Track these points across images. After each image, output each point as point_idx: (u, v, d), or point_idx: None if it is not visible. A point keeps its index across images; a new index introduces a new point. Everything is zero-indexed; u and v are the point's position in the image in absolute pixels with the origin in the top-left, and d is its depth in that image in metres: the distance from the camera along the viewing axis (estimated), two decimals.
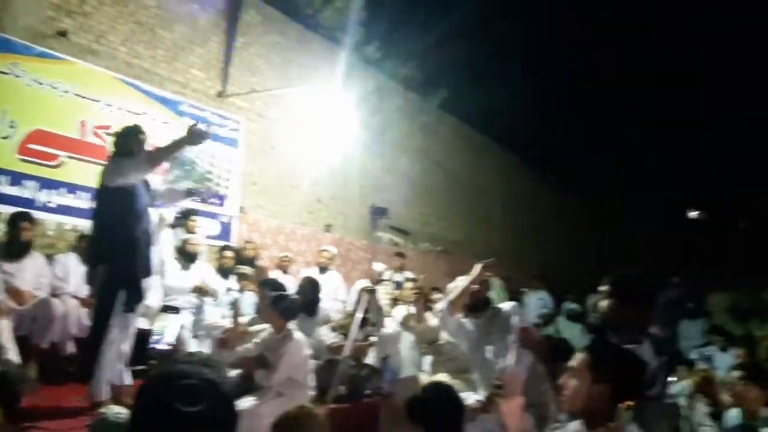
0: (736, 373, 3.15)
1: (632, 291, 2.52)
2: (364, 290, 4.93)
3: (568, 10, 7.34)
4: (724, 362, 6.33)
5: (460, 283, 3.41)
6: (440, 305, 3.55)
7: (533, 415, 3.00)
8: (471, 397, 3.31)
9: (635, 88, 9.12)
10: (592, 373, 2.10)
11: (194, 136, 3.58)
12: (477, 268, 3.35)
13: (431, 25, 8.10)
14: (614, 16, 7.42)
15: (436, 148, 10.49)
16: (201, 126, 3.67)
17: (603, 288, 2.58)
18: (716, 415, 3.36)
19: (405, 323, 4.99)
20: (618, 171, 11.89)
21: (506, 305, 3.54)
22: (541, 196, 13.45)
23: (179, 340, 4.90)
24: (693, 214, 10.82)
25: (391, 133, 9.32)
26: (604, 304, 2.57)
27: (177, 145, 3.68)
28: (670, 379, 2.63)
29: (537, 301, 9.56)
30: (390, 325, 5.12)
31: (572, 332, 6.95)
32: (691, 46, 7.84)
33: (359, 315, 4.48)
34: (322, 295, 5.59)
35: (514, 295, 9.49)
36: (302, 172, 7.82)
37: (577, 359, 2.17)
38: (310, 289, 5.55)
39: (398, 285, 6.19)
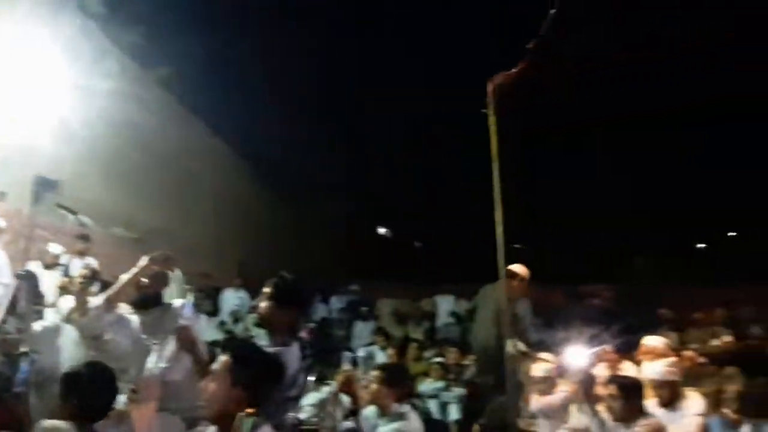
0: (375, 373, 3.57)
1: (288, 295, 2.63)
2: (17, 275, 4.26)
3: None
4: (384, 360, 7.28)
5: (125, 276, 3.11)
6: (95, 300, 3.17)
7: (184, 420, 2.88)
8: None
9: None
10: (231, 376, 2.10)
11: None
12: (144, 261, 3.10)
13: None
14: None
15: (147, 125, 9.54)
16: None
17: (265, 290, 2.65)
18: (357, 412, 3.75)
19: (69, 315, 4.38)
20: (319, 176, 12.57)
21: (177, 302, 3.37)
22: (252, 193, 13.46)
23: None
24: (382, 230, 12.22)
25: (99, 101, 8.13)
26: (263, 305, 2.63)
27: None
28: (311, 378, 2.83)
29: (235, 300, 9.54)
30: (49, 318, 4.47)
31: (262, 331, 7.08)
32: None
33: (4, 303, 3.84)
34: None
35: (212, 293, 9.31)
36: None
37: (218, 362, 2.14)
38: None
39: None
